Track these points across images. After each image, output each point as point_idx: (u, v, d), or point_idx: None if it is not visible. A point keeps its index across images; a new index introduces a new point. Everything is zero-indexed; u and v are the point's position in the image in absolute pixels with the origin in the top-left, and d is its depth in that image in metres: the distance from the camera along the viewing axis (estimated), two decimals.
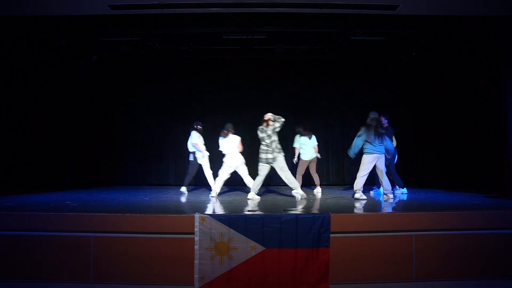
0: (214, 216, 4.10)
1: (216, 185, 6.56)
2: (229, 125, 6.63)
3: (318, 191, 7.23)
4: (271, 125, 5.99)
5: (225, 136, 6.58)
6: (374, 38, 7.88)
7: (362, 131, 5.82)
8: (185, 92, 9.69)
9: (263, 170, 6.02)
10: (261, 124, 6.08)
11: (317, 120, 9.60)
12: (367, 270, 4.08)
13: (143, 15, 6.72)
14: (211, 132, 8.23)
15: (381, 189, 6.53)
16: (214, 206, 5.30)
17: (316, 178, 7.33)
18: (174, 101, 9.64)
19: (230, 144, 6.53)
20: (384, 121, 6.38)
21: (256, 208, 4.98)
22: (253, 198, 6.04)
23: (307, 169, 7.24)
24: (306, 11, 6.54)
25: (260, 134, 6.03)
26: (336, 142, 9.66)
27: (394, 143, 6.86)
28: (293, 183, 6.10)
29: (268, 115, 6.03)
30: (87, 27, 7.09)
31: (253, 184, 6.17)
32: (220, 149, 6.64)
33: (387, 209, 5.01)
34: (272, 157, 5.92)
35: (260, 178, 6.07)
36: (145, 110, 9.68)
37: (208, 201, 5.90)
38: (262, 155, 6.00)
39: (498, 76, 6.73)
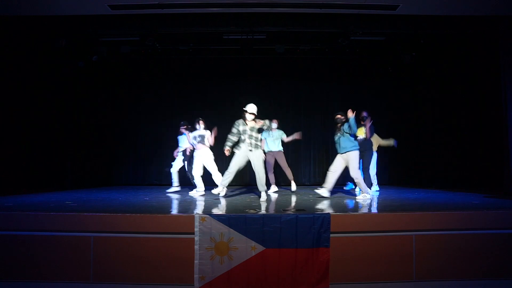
0: (214, 216, 4.10)
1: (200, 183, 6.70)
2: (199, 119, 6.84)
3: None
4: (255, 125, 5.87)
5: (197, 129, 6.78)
6: (374, 38, 7.89)
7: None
8: (185, 92, 9.69)
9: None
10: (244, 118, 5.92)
11: (316, 120, 9.62)
12: (367, 270, 4.08)
13: (143, 15, 6.74)
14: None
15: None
16: (214, 206, 5.30)
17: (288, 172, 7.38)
18: (174, 101, 9.64)
19: (202, 138, 6.69)
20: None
21: (256, 208, 4.98)
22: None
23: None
24: (306, 11, 6.55)
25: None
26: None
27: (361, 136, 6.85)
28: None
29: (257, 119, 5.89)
30: (87, 27, 7.11)
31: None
32: (191, 143, 6.75)
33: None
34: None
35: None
36: (145, 109, 9.69)
37: (208, 201, 5.90)
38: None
39: (498, 76, 6.74)
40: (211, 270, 3.98)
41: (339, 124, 5.93)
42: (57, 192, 7.37)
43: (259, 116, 6.04)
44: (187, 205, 5.36)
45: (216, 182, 6.57)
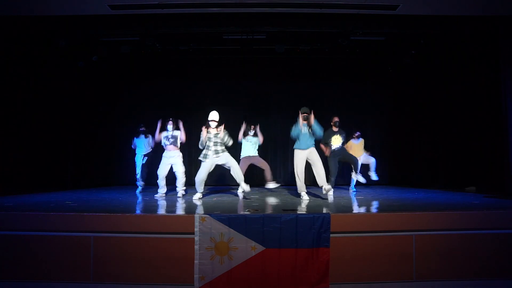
0: (214, 216, 4.10)
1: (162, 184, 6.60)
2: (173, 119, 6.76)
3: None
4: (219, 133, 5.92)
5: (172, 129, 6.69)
6: (374, 38, 7.88)
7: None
8: (185, 92, 9.70)
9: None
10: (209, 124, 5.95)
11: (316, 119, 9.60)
12: (367, 270, 4.08)
13: (143, 15, 6.74)
14: None
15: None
16: (214, 206, 5.29)
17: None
18: (174, 101, 9.64)
19: (174, 139, 6.60)
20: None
21: (256, 208, 4.98)
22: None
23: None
24: (306, 11, 6.55)
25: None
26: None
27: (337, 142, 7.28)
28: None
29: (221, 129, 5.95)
30: (87, 27, 7.11)
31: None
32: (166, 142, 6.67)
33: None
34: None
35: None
36: (145, 110, 9.68)
37: (208, 201, 5.89)
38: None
39: (498, 76, 6.74)
40: (211, 270, 3.98)
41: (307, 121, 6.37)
42: (57, 192, 7.37)
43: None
44: (187, 205, 5.36)
45: (179, 184, 6.52)
